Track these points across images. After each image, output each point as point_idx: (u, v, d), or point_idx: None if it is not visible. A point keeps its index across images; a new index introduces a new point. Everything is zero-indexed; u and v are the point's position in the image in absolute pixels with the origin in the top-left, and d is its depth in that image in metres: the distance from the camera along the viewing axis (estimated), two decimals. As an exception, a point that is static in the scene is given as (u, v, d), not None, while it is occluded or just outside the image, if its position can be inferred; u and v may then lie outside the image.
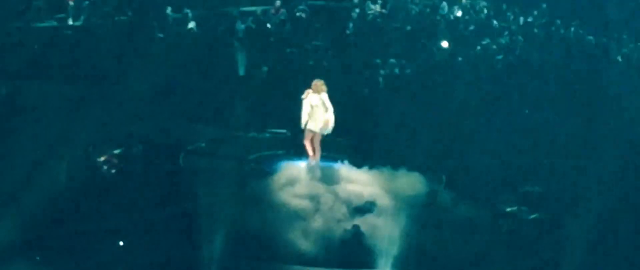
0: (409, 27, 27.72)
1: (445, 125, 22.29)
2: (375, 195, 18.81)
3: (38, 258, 16.11)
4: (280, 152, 20.80)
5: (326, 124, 19.47)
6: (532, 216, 19.32)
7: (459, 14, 28.70)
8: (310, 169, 19.51)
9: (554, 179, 20.92)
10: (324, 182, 19.21)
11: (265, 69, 24.30)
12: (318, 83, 19.56)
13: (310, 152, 19.73)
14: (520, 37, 27.54)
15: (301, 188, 18.90)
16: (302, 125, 19.67)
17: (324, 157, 20.22)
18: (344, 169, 19.71)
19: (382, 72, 24.60)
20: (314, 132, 19.61)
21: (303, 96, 19.62)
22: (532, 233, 18.73)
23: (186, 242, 16.91)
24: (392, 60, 25.03)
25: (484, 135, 22.67)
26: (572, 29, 28.40)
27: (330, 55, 25.25)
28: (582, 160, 21.74)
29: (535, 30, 28.08)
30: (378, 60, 24.92)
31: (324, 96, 19.49)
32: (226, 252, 16.50)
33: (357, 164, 19.85)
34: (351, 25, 27.16)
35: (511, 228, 18.87)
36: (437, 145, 20.90)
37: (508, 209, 19.43)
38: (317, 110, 19.44)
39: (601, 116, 23.82)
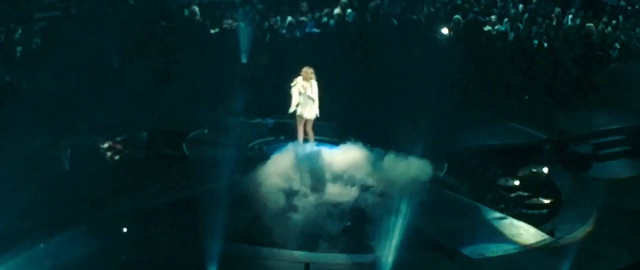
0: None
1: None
2: (376, 179, 18.86)
3: (42, 245, 16.07)
4: (282, 137, 20.90)
5: (313, 111, 19.65)
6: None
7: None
8: (308, 153, 19.60)
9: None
10: (323, 166, 19.28)
11: (267, 56, 24.42)
12: (308, 70, 19.68)
13: (300, 139, 19.93)
14: (519, 24, 27.58)
15: (301, 172, 18.98)
16: (291, 111, 19.84)
17: (325, 142, 20.36)
18: (344, 153, 19.75)
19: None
20: (304, 119, 19.78)
21: (292, 84, 19.76)
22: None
23: (188, 229, 16.95)
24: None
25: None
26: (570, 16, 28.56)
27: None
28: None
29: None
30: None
31: (313, 84, 19.61)
32: (227, 236, 16.49)
33: (357, 147, 19.88)
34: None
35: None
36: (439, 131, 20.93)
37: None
38: (306, 98, 19.58)
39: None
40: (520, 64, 25.39)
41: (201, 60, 23.94)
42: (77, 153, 19.56)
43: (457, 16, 27.21)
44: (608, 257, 17.09)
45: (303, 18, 26.37)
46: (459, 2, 28.64)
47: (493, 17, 27.73)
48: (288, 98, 19.86)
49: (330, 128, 21.13)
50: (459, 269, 16.77)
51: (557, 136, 22.34)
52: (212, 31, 25.33)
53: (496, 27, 27.25)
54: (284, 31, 25.84)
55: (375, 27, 26.34)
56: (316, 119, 20.02)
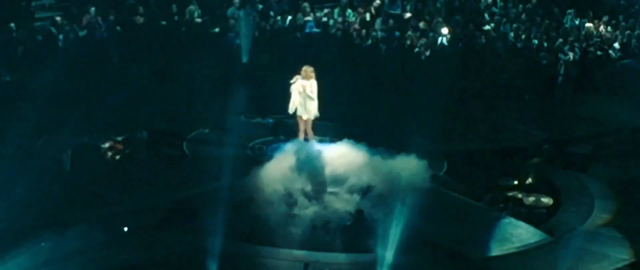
0: (408, 15, 27.79)
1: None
2: (376, 179, 18.88)
3: (43, 244, 16.10)
4: (282, 137, 20.92)
5: (312, 110, 19.69)
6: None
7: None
8: (309, 153, 19.62)
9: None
10: (323, 166, 19.28)
11: (267, 56, 24.46)
12: (308, 70, 19.70)
13: (300, 138, 20.01)
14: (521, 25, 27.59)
15: (301, 172, 19.01)
16: (290, 111, 19.86)
17: (326, 141, 20.38)
18: (344, 153, 19.78)
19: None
20: (304, 119, 19.81)
21: (292, 81, 19.79)
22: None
23: (189, 228, 16.98)
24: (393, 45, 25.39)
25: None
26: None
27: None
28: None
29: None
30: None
31: (313, 83, 19.63)
32: (227, 235, 16.53)
33: (358, 147, 19.93)
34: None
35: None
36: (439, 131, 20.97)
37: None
38: (306, 97, 19.61)
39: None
40: (520, 64, 25.41)
41: (202, 59, 23.98)
42: (77, 152, 19.60)
43: (457, 17, 27.22)
44: (607, 257, 17.09)
45: (307, 18, 26.36)
46: (458, 2, 28.63)
47: (495, 17, 27.73)
48: (288, 97, 19.91)
49: (331, 128, 21.13)
50: (458, 269, 16.82)
51: (556, 136, 22.37)
52: (212, 30, 25.35)
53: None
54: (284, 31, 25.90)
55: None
56: (316, 119, 20.07)
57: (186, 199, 17.98)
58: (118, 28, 24.53)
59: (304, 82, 19.68)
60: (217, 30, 25.38)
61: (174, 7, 25.85)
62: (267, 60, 24.53)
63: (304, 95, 19.69)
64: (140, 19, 24.69)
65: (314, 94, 19.72)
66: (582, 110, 24.14)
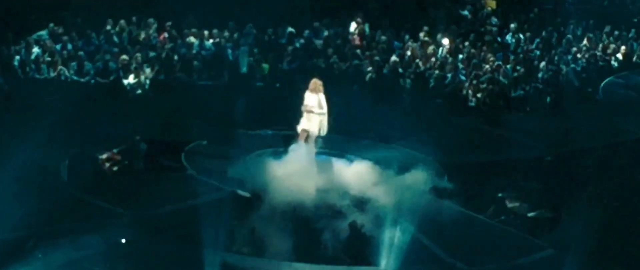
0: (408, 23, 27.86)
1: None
2: (376, 190, 18.84)
3: (40, 255, 16.02)
4: (282, 149, 20.83)
5: (321, 124, 19.59)
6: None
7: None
8: (308, 164, 19.53)
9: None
10: (323, 177, 19.28)
11: (266, 66, 24.46)
12: (317, 83, 19.61)
13: (300, 150, 19.80)
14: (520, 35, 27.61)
15: (300, 183, 18.94)
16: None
17: (325, 153, 20.30)
18: (344, 165, 19.75)
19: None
20: (308, 132, 19.70)
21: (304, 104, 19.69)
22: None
23: (187, 240, 16.91)
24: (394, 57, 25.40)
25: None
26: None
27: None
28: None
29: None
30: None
31: (321, 96, 19.54)
32: (226, 248, 16.50)
33: (358, 159, 19.85)
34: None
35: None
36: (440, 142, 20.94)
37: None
38: (314, 111, 19.52)
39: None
40: (522, 76, 25.40)
41: (201, 70, 24.03)
42: (75, 164, 19.54)
43: (453, 26, 27.24)
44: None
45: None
46: (462, 12, 28.67)
47: (494, 28, 27.73)
48: (287, 109, 19.85)
49: (331, 140, 21.06)
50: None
51: (558, 148, 22.34)
52: (211, 41, 25.38)
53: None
54: (283, 41, 25.87)
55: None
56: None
57: (184, 211, 17.91)
58: (115, 38, 24.58)
59: (313, 96, 19.52)
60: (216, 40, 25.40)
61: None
62: (266, 70, 24.51)
63: (312, 108, 19.52)
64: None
65: (324, 109, 19.56)
66: (585, 122, 24.11)
